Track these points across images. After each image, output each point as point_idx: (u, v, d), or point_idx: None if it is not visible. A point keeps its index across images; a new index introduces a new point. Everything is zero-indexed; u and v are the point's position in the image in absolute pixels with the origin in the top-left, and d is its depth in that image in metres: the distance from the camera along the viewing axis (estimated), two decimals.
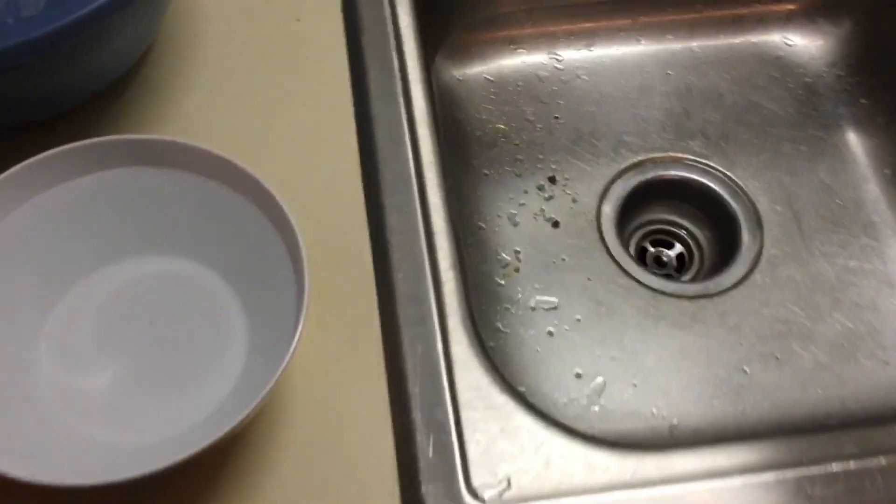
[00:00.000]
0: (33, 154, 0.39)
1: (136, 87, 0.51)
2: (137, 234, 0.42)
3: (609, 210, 0.67)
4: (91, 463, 0.36)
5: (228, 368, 0.41)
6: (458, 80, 0.70)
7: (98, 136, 0.40)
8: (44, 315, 0.41)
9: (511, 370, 0.58)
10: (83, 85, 0.47)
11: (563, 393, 0.59)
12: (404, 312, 0.44)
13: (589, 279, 0.64)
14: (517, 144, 0.69)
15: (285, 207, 0.39)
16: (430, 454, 0.40)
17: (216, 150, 0.40)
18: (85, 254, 0.42)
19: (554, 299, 0.62)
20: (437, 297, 0.45)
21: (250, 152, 0.49)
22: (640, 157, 0.69)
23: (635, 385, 0.60)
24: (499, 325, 0.60)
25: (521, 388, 0.55)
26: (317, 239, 0.46)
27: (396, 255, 0.46)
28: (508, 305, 0.62)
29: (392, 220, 0.47)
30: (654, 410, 0.58)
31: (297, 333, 0.36)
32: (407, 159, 0.49)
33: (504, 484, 0.40)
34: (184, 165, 0.41)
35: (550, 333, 0.61)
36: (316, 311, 0.44)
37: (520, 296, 0.63)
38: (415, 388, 0.42)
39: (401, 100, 0.51)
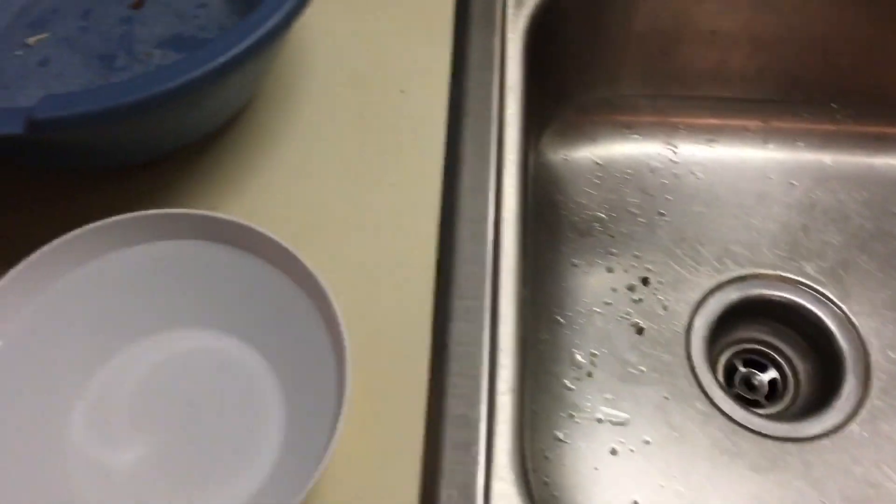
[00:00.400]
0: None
1: (227, 142, 0.50)
2: (188, 307, 0.41)
3: (701, 325, 0.62)
4: None
5: (260, 463, 0.39)
6: (564, 159, 0.67)
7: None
8: (84, 380, 0.40)
9: (564, 486, 0.55)
10: (177, 138, 0.46)
11: None
12: (451, 434, 0.41)
13: (666, 398, 0.59)
14: (613, 237, 0.65)
15: (336, 308, 0.37)
16: None
17: (277, 238, 0.39)
18: (134, 321, 0.41)
19: (625, 415, 0.58)
20: (489, 424, 0.42)
21: (326, 226, 0.47)
22: (746, 272, 0.64)
23: None
24: (559, 433, 0.57)
25: None
26: (375, 330, 0.44)
27: (454, 367, 0.43)
28: (573, 412, 0.58)
29: (457, 327, 0.44)
30: None
31: (331, 447, 0.33)
32: (484, 263, 0.46)
33: None
34: (243, 245, 0.40)
35: (614, 452, 0.57)
36: (359, 411, 0.41)
37: (588, 404, 0.59)
38: None
39: (491, 195, 0.48)
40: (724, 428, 0.58)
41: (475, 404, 0.42)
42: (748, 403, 0.59)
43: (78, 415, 0.39)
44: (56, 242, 0.38)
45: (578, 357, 0.60)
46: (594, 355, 0.60)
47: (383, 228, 0.47)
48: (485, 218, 0.47)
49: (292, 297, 0.39)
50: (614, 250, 0.64)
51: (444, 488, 0.40)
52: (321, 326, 0.38)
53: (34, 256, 0.37)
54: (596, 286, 0.63)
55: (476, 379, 0.43)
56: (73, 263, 0.38)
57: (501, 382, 0.43)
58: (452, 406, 0.42)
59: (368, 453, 0.41)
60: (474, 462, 0.41)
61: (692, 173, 0.67)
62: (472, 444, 0.41)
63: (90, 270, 0.39)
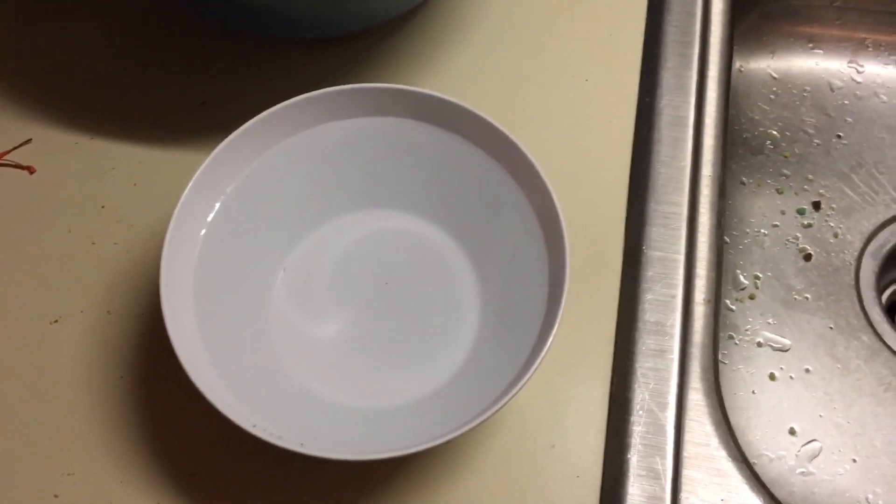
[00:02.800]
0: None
1: (423, 21, 0.48)
2: (388, 186, 0.40)
3: (873, 255, 0.59)
4: (338, 430, 0.35)
5: (456, 346, 0.39)
6: (739, 70, 0.63)
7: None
8: (286, 252, 0.40)
9: None
10: (378, 10, 0.45)
11: (770, 446, 0.53)
12: (643, 340, 0.40)
13: (831, 328, 0.57)
14: (786, 157, 0.61)
15: (554, 196, 0.35)
16: None
17: (488, 117, 0.37)
18: (335, 198, 0.40)
19: (786, 341, 0.56)
20: (684, 333, 0.40)
21: (516, 116, 0.46)
22: None
23: (855, 461, 0.53)
24: (718, 353, 0.55)
25: (754, 461, 0.49)
26: (568, 228, 0.43)
27: (649, 272, 0.41)
28: (733, 334, 0.56)
29: (653, 232, 0.42)
30: (870, 496, 0.52)
31: (552, 335, 0.33)
32: (685, 166, 0.43)
33: None
34: (450, 126, 0.38)
35: (773, 377, 0.55)
36: None
37: (749, 327, 0.57)
38: (636, 426, 0.38)
39: (692, 97, 0.45)
40: (891, 364, 0.55)
41: (671, 310, 0.41)
42: None
43: (281, 284, 0.39)
44: (269, 112, 0.37)
45: (742, 278, 0.58)
46: (758, 278, 0.58)
47: (577, 123, 0.45)
48: (686, 121, 0.45)
49: (501, 185, 0.37)
50: (786, 171, 0.61)
51: (637, 393, 0.39)
52: (531, 219, 0.36)
53: (249, 124, 0.37)
54: (764, 207, 0.60)
55: (672, 286, 0.41)
56: (284, 133, 0.38)
57: (698, 292, 0.41)
58: (647, 311, 0.41)
59: (557, 357, 0.40)
60: (667, 371, 0.40)
61: (876, 95, 0.63)
62: (666, 351, 0.40)
63: (298, 141, 0.38)
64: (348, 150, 0.39)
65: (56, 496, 0.38)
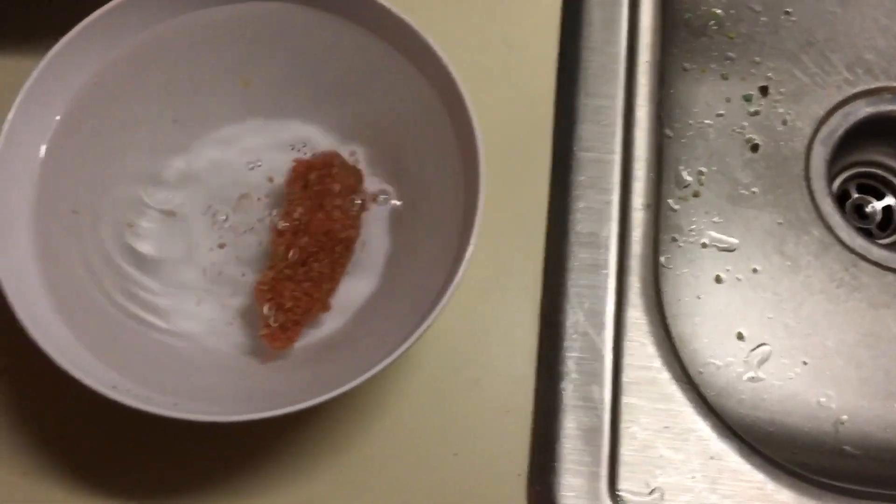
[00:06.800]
0: None
1: None
2: (268, 89, 0.34)
3: (824, 142, 0.55)
4: (221, 382, 0.30)
5: (361, 273, 0.34)
6: None
7: None
8: (148, 179, 0.34)
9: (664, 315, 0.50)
10: None
11: (718, 353, 0.50)
12: (576, 254, 0.35)
13: (779, 223, 0.53)
14: (731, 38, 0.56)
15: (463, 91, 0.30)
16: (574, 440, 0.33)
17: (392, 7, 0.31)
18: (206, 106, 0.34)
19: (733, 240, 0.52)
20: (621, 244, 0.35)
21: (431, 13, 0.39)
22: (880, 84, 0.56)
23: (805, 363, 0.50)
24: (660, 258, 0.51)
25: (700, 370, 0.46)
26: (489, 128, 0.37)
27: (580, 177, 0.36)
28: (676, 236, 0.52)
29: (584, 130, 0.37)
30: (822, 399, 0.49)
31: (468, 253, 0.28)
32: (618, 52, 0.38)
33: (656, 497, 0.33)
34: (337, 9, 0.32)
35: (719, 279, 0.51)
36: None
37: (693, 227, 0.53)
38: (570, 352, 0.34)
39: None
40: (843, 258, 0.52)
41: (606, 219, 0.36)
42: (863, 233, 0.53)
43: (144, 218, 0.33)
44: (116, 2, 0.30)
45: (685, 175, 0.53)
46: (702, 173, 0.53)
47: (493, 3, 0.39)
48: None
49: (406, 82, 0.31)
50: (731, 54, 0.56)
51: (570, 314, 0.35)
52: (445, 122, 0.30)
53: (90, 19, 0.31)
54: (708, 95, 0.55)
55: (606, 191, 0.36)
56: (135, 27, 0.31)
57: (636, 197, 0.37)
58: (580, 221, 0.36)
59: (484, 274, 0.35)
60: (603, 288, 0.35)
61: None
62: (601, 265, 0.35)
63: (154, 37, 0.32)
64: (217, 45, 0.33)
65: None
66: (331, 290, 0.32)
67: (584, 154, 0.36)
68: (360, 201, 0.33)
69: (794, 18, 0.57)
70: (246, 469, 0.33)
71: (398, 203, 0.34)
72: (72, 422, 0.33)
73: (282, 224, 0.32)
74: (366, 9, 0.31)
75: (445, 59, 0.29)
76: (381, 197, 0.34)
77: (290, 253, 0.31)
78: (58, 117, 0.31)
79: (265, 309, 0.30)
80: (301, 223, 0.31)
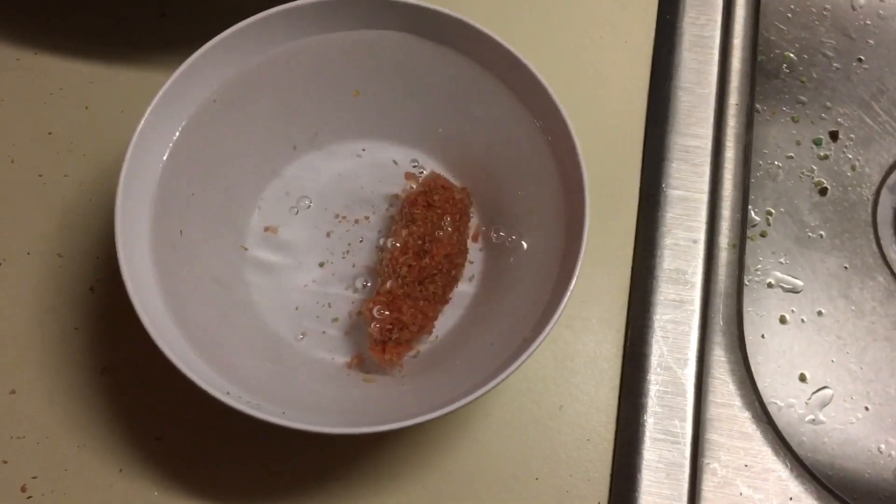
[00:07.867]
0: None
1: None
2: (377, 114, 0.35)
3: (892, 189, 0.55)
4: (326, 394, 0.31)
5: (459, 298, 0.35)
6: None
7: None
8: (259, 189, 0.35)
9: None
10: None
11: (780, 393, 0.50)
12: (661, 290, 0.36)
13: (845, 267, 0.53)
14: (803, 82, 0.56)
15: (575, 138, 0.31)
16: (655, 472, 0.33)
17: (506, 43, 0.32)
18: (316, 126, 0.35)
19: (799, 281, 0.52)
20: (706, 282, 0.36)
21: (517, 39, 0.40)
22: None
23: (867, 409, 0.50)
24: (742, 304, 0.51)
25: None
26: None
27: (668, 214, 0.37)
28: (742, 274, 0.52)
29: (673, 168, 0.37)
30: (882, 447, 0.49)
31: (569, 290, 0.28)
32: (709, 93, 0.39)
33: None
34: (452, 43, 0.33)
35: (783, 320, 0.52)
36: None
37: (759, 266, 0.53)
38: (653, 385, 0.35)
39: (719, 14, 0.40)
40: None
41: (692, 258, 0.36)
42: None
43: (255, 226, 0.34)
44: (240, 26, 0.32)
45: (753, 214, 0.53)
46: (770, 213, 0.54)
47: (589, 43, 0.40)
48: (711, 42, 0.40)
49: (511, 113, 0.32)
50: (803, 98, 0.56)
51: (654, 347, 0.35)
52: (546, 154, 0.31)
53: (217, 40, 0.32)
54: (778, 137, 0.55)
55: (695, 230, 0.37)
56: (256, 50, 0.32)
57: (722, 237, 0.37)
58: (666, 260, 0.36)
59: (571, 301, 0.36)
60: (688, 322, 0.36)
61: None
62: (687, 302, 0.36)
63: (273, 60, 0.33)
64: (332, 70, 0.34)
65: (5, 462, 0.34)
66: (440, 312, 0.32)
67: (673, 192, 0.37)
68: (471, 230, 0.34)
69: (866, 66, 0.57)
70: (328, 478, 0.34)
71: (497, 235, 0.34)
72: (168, 423, 0.34)
73: (402, 242, 0.32)
74: (482, 45, 0.32)
75: (557, 99, 0.30)
76: (482, 228, 0.34)
77: (410, 271, 0.31)
78: (179, 131, 0.32)
79: (376, 324, 0.31)
80: (424, 243, 0.32)
